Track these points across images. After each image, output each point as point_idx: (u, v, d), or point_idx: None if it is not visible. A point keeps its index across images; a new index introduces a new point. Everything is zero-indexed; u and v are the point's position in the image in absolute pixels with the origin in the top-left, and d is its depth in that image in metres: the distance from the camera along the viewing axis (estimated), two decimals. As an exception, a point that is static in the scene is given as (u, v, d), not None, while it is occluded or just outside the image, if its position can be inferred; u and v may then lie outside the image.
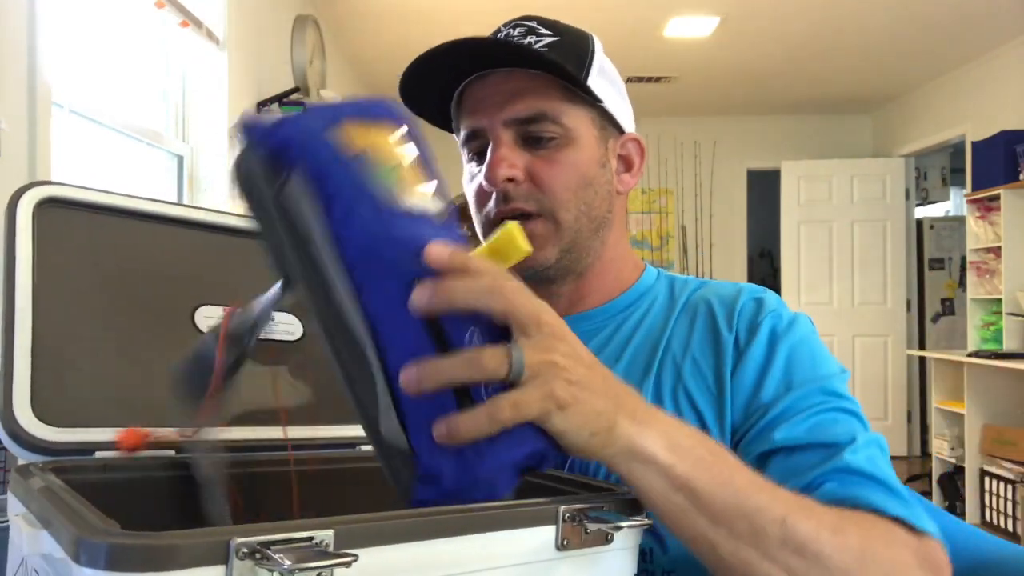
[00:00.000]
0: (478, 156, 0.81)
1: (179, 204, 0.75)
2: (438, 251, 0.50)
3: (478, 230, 0.84)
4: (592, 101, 0.81)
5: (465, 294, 0.49)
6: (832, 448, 0.69)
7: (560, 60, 0.77)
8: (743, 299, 0.81)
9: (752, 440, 0.74)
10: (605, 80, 0.82)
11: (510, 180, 0.78)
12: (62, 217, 0.66)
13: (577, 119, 0.80)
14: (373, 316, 0.49)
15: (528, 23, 0.81)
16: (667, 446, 0.54)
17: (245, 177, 0.52)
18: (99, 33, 2.26)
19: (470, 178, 0.83)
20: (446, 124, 0.86)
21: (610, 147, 0.84)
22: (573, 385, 0.51)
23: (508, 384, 0.49)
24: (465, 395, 0.49)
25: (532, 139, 0.79)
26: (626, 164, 0.86)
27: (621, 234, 0.87)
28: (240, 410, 0.69)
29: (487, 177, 0.78)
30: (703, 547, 0.56)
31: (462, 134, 0.82)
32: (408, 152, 0.53)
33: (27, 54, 1.73)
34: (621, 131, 0.85)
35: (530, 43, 0.79)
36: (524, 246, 0.55)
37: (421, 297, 0.49)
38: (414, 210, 0.51)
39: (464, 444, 0.48)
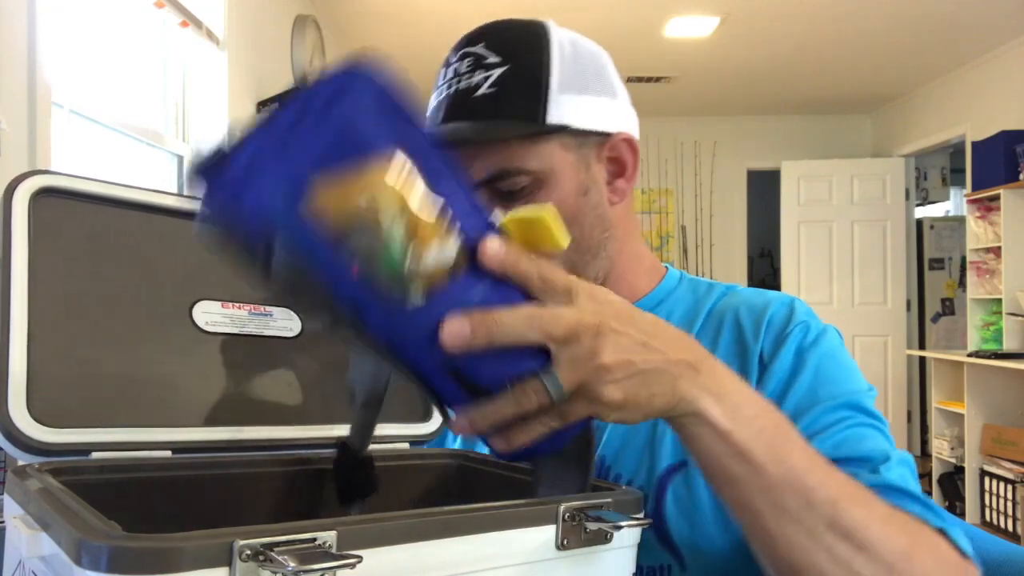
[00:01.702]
0: None
1: (178, 195, 0.73)
2: (454, 328, 0.47)
3: None
4: (559, 129, 0.74)
5: (502, 336, 0.48)
6: (866, 463, 0.66)
7: (510, 102, 0.72)
8: (772, 309, 0.77)
9: None
10: (575, 88, 0.75)
11: None
12: (59, 207, 0.64)
13: (546, 155, 0.74)
14: (415, 371, 0.50)
15: (475, 49, 0.75)
16: (728, 412, 0.54)
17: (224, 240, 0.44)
18: (99, 33, 2.26)
19: None
20: None
21: (594, 163, 0.77)
22: (627, 380, 0.50)
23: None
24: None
25: (503, 193, 0.74)
26: (618, 167, 0.79)
27: (628, 240, 0.82)
28: (238, 409, 0.68)
29: None
30: (748, 517, 0.56)
31: None
32: (409, 184, 0.44)
33: (27, 54, 1.73)
34: (607, 133, 0.78)
35: (478, 84, 0.73)
36: (560, 240, 0.51)
37: (454, 345, 0.47)
38: (429, 288, 0.46)
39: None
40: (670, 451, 0.73)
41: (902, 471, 0.66)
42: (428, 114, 0.78)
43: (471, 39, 0.77)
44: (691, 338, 0.56)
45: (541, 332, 0.48)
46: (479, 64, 0.74)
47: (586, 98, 0.76)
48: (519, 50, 0.75)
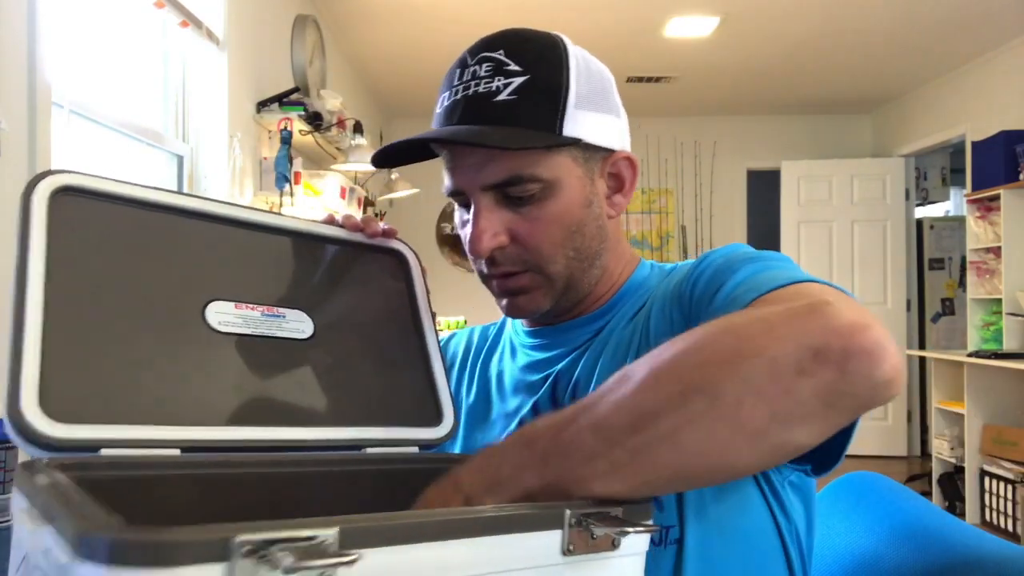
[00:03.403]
0: (466, 207, 0.81)
1: (196, 196, 0.74)
2: None
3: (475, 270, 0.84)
4: (572, 142, 0.77)
5: None
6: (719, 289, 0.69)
7: (530, 111, 0.75)
8: (689, 265, 0.80)
9: None
10: (588, 104, 0.78)
11: (496, 247, 0.78)
12: (77, 206, 0.65)
13: (557, 166, 0.77)
14: None
15: (495, 55, 0.77)
16: (477, 469, 0.58)
17: None
18: (99, 33, 2.26)
19: (462, 224, 0.82)
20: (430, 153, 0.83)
21: (597, 178, 0.81)
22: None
23: None
24: None
25: (512, 198, 0.77)
26: (617, 183, 0.83)
27: (616, 245, 0.86)
28: (248, 410, 0.69)
29: (472, 250, 0.78)
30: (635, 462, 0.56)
31: (447, 186, 0.81)
32: None
33: (27, 54, 1.73)
34: (611, 150, 0.82)
35: (498, 90, 0.75)
36: None
37: None
38: None
39: None
40: None
41: (760, 262, 0.70)
42: (439, 111, 0.80)
43: (490, 44, 0.78)
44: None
45: None
46: (499, 70, 0.76)
47: (597, 115, 0.79)
48: (539, 62, 0.77)
